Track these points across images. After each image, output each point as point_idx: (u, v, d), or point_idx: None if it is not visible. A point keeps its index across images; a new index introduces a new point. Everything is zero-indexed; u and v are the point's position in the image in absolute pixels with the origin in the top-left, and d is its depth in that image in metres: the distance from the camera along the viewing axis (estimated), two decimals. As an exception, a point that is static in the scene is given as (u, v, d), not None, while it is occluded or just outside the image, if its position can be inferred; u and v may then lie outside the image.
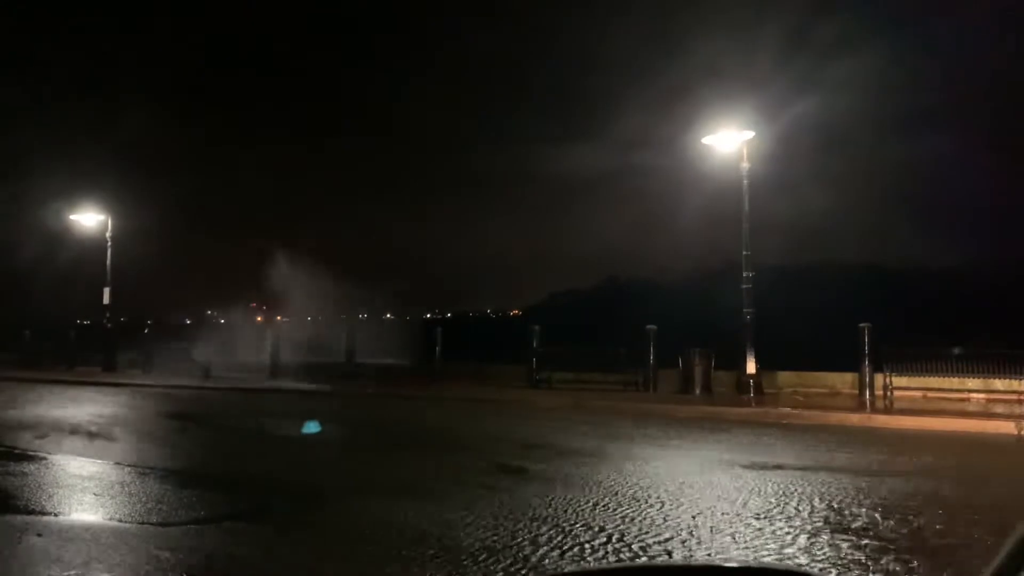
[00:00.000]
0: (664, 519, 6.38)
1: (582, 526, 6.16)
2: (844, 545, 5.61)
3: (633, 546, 5.63)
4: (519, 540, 5.74)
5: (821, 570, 5.04)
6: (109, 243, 27.77)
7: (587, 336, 29.67)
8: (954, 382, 14.76)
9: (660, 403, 15.88)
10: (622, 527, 6.13)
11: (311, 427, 11.95)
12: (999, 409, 13.66)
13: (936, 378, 14.75)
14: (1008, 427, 12.17)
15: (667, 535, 5.92)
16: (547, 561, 5.25)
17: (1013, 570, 0.85)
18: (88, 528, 6.36)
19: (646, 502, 6.99)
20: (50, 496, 7.44)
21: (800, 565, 5.20)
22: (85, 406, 16.25)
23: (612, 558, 5.40)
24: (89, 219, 28.34)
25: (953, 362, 14.70)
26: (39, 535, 5.99)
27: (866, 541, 5.71)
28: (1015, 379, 14.07)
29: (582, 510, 6.70)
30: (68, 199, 29.64)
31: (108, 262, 27.75)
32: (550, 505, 6.86)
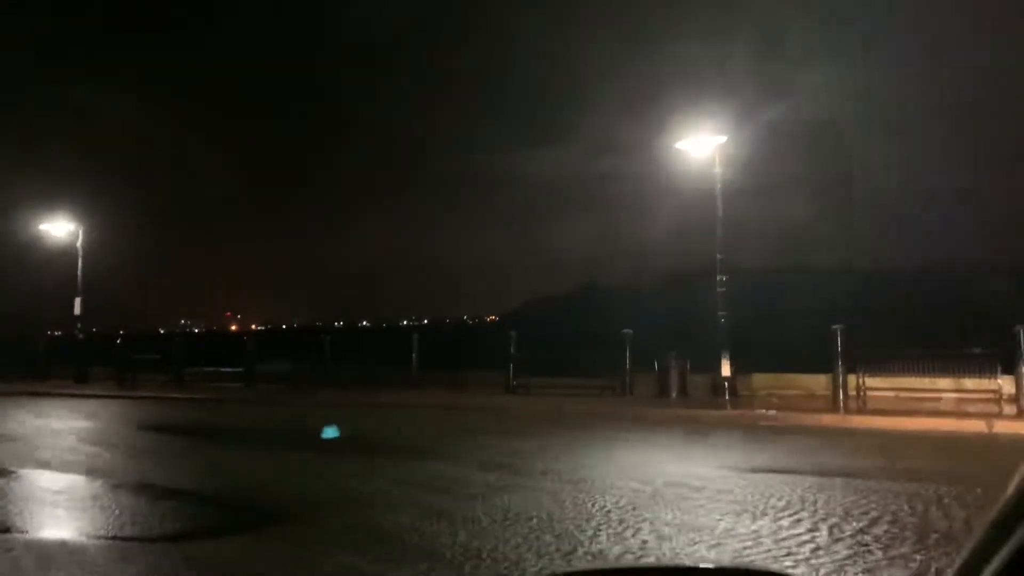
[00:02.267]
0: (647, 522, 6.40)
1: (574, 527, 6.17)
2: (842, 548, 5.65)
3: (614, 550, 5.65)
4: (513, 543, 5.74)
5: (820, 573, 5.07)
6: (80, 252, 27.41)
7: (564, 341, 29.70)
8: (926, 382, 14.92)
9: (637, 407, 15.93)
10: (611, 529, 6.14)
11: (330, 432, 12.10)
12: (970, 408, 13.84)
13: (908, 378, 14.90)
14: (980, 425, 12.35)
15: (648, 538, 5.93)
16: (538, 565, 5.25)
17: (991, 549, 0.86)
18: (63, 544, 6.27)
19: (618, 506, 7.00)
20: (20, 512, 7.32)
21: (795, 565, 5.23)
22: (56, 419, 16.02)
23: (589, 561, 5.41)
24: (59, 228, 27.96)
25: (925, 362, 14.87)
26: (8, 551, 5.89)
27: (865, 541, 5.76)
28: (985, 378, 14.26)
29: (580, 511, 6.70)
30: (38, 207, 29.25)
31: (79, 272, 27.39)
32: (533, 512, 6.86)
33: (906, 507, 6.81)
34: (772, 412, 14.20)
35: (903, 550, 5.55)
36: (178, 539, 6.32)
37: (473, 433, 13.08)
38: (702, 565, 5.95)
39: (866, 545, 5.67)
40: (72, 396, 22.20)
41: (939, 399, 14.69)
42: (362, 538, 6.16)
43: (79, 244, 27.47)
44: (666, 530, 6.18)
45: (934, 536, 5.93)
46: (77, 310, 27.50)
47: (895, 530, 6.08)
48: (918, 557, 5.40)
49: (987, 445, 11.24)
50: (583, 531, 6.19)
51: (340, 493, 8.12)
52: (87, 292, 27.91)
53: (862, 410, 14.27)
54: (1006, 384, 13.68)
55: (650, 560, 5.48)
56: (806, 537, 5.91)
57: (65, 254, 28.24)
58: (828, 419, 13.62)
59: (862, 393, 14.89)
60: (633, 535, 6.04)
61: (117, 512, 7.17)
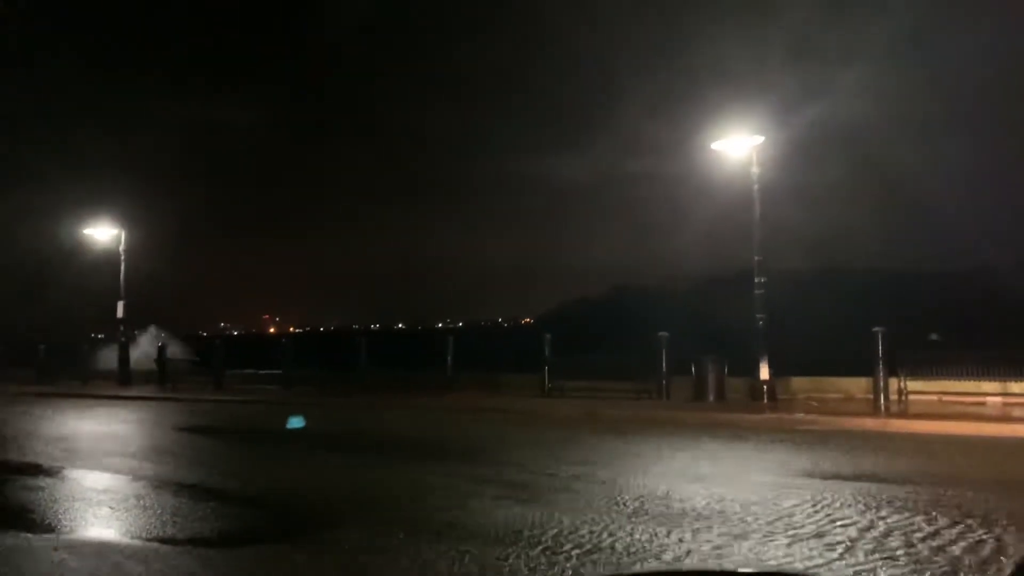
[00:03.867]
0: (697, 534, 6.34)
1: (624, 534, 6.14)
2: (902, 556, 5.56)
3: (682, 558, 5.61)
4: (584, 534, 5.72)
5: None
6: (123, 256, 27.90)
7: (598, 344, 29.59)
8: (970, 385, 14.63)
9: (674, 410, 15.80)
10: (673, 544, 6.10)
11: (295, 423, 12.34)
12: (1017, 412, 13.53)
13: (951, 381, 14.63)
14: (1026, 430, 12.06)
15: (706, 547, 5.88)
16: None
17: None
18: (106, 544, 6.38)
19: (683, 514, 6.95)
20: (66, 511, 7.46)
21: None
22: (99, 421, 16.33)
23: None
24: (103, 233, 28.48)
25: (969, 365, 14.60)
26: (55, 549, 6.01)
27: (928, 552, 5.66)
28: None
29: (619, 517, 6.67)
30: (83, 212, 29.83)
31: (122, 276, 27.88)
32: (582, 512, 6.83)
33: (955, 516, 6.67)
34: (812, 416, 13.99)
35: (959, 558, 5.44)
36: (229, 543, 6.39)
37: (515, 434, 13.07)
38: (742, 570, 5.91)
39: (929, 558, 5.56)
40: (115, 398, 22.61)
41: (984, 403, 14.39)
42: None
43: (121, 248, 27.97)
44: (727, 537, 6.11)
45: (989, 549, 5.80)
46: (120, 313, 27.99)
47: (981, 544, 5.95)
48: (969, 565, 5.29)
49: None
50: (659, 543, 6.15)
51: (414, 493, 8.16)
52: (130, 295, 28.42)
53: (904, 414, 14.03)
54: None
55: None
56: (887, 547, 5.81)
57: (109, 258, 28.78)
58: (870, 423, 13.39)
59: (904, 397, 14.64)
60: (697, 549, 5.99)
61: (159, 512, 7.28)
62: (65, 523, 6.95)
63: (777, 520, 6.53)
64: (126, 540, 6.41)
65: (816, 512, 6.80)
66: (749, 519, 6.57)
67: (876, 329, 14.99)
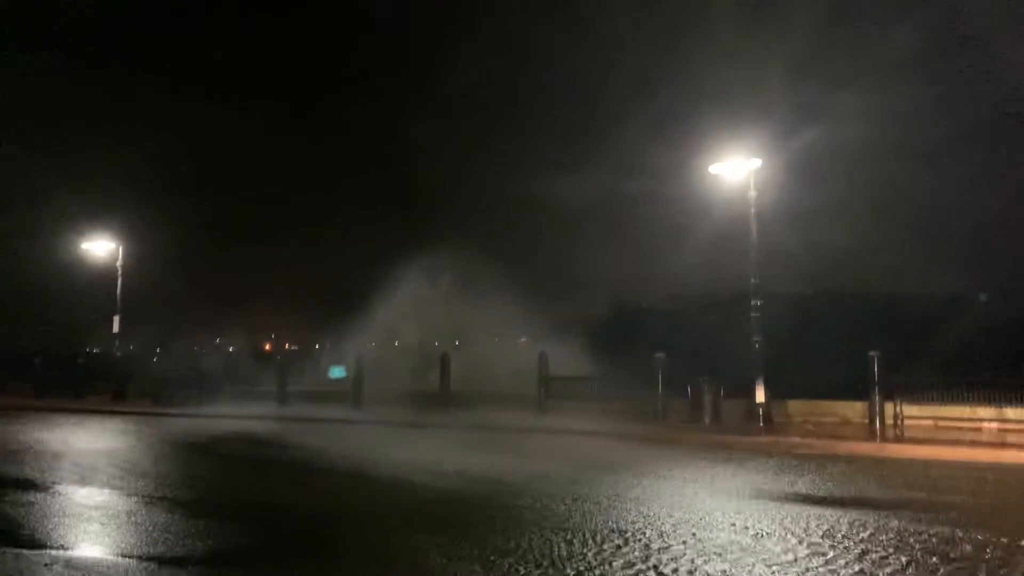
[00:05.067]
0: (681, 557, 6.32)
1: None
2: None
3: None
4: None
5: None
6: (120, 272, 27.91)
7: (596, 363, 29.53)
8: (965, 411, 14.63)
9: (670, 431, 15.80)
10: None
11: (337, 372, 12.42)
12: (1011, 439, 13.52)
13: (947, 407, 14.63)
14: (1022, 457, 12.05)
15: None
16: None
17: None
18: (97, 562, 6.35)
19: (660, 539, 6.93)
20: (56, 527, 7.42)
21: None
22: (94, 436, 16.28)
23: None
24: (100, 247, 28.49)
25: (964, 391, 14.60)
26: (46, 565, 5.98)
27: None
28: (1028, 408, 13.94)
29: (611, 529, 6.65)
30: (80, 226, 29.84)
31: (119, 291, 27.87)
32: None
33: (945, 547, 6.65)
34: (808, 440, 13.99)
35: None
36: (218, 561, 6.37)
37: (511, 452, 13.04)
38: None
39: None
40: (109, 413, 22.54)
41: (979, 429, 14.38)
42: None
43: (119, 263, 27.98)
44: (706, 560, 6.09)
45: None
46: (116, 328, 27.96)
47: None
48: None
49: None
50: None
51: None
52: (127, 310, 28.37)
53: (900, 439, 14.02)
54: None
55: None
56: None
57: (106, 272, 28.77)
58: (866, 447, 13.39)
59: (899, 421, 14.64)
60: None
61: (150, 529, 7.24)
62: (56, 538, 6.92)
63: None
64: (117, 557, 6.38)
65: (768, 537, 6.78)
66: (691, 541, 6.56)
67: (872, 353, 15.02)
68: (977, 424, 14.50)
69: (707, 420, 17.00)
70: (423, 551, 6.35)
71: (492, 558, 6.06)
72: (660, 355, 17.87)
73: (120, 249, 28.13)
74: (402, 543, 6.76)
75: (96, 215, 30.48)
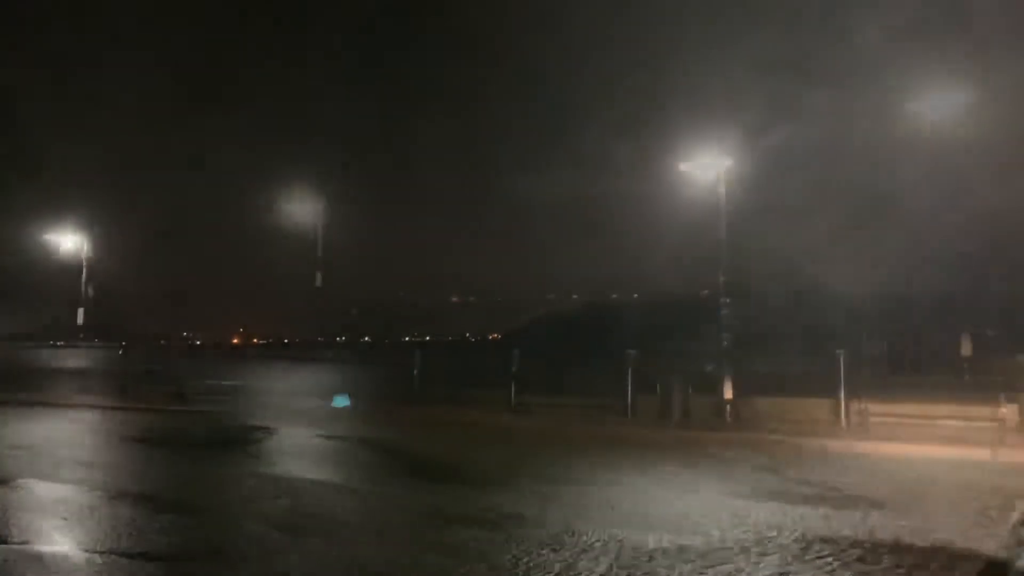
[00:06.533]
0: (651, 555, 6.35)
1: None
2: None
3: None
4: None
5: None
6: (84, 263, 27.45)
7: (567, 361, 29.60)
8: (929, 408, 14.85)
9: (639, 428, 15.85)
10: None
11: (340, 401, 12.52)
12: (973, 435, 13.75)
13: (912, 404, 14.83)
14: (983, 453, 12.26)
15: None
16: None
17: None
18: (55, 556, 6.24)
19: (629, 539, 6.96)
20: (16, 522, 7.29)
21: None
22: (57, 430, 16.01)
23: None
24: (66, 240, 27.95)
25: (929, 389, 14.84)
26: (5, 561, 5.87)
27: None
28: (989, 405, 14.18)
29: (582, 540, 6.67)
30: (45, 218, 29.28)
31: (83, 282, 27.41)
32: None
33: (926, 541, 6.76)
34: (775, 437, 14.12)
35: None
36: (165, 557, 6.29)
37: (480, 450, 13.02)
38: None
39: None
40: (73, 407, 22.15)
41: (943, 425, 14.60)
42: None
43: (83, 255, 27.51)
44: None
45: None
46: (80, 320, 27.52)
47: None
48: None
49: (997, 472, 11.11)
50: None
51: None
52: (92, 303, 27.92)
53: (865, 435, 14.19)
54: (1010, 412, 13.62)
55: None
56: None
57: (71, 264, 28.27)
58: (832, 444, 13.52)
59: (866, 418, 14.82)
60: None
61: (113, 524, 7.14)
62: (16, 533, 6.79)
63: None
64: (79, 551, 6.28)
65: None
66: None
67: (838, 351, 15.22)
68: (941, 421, 14.72)
69: (676, 417, 17.06)
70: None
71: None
72: (630, 352, 17.92)
73: (85, 242, 27.57)
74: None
75: (62, 207, 29.97)
